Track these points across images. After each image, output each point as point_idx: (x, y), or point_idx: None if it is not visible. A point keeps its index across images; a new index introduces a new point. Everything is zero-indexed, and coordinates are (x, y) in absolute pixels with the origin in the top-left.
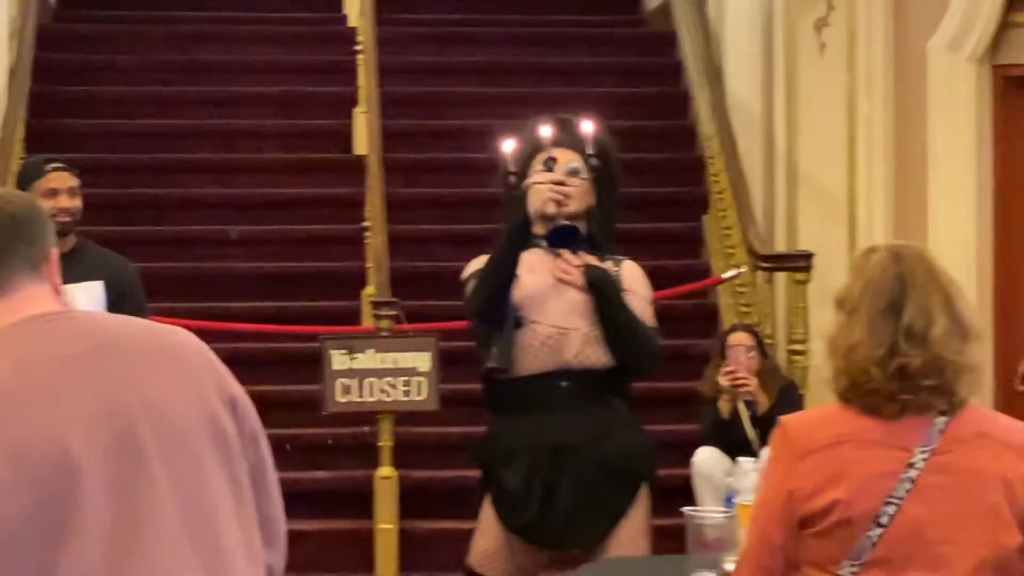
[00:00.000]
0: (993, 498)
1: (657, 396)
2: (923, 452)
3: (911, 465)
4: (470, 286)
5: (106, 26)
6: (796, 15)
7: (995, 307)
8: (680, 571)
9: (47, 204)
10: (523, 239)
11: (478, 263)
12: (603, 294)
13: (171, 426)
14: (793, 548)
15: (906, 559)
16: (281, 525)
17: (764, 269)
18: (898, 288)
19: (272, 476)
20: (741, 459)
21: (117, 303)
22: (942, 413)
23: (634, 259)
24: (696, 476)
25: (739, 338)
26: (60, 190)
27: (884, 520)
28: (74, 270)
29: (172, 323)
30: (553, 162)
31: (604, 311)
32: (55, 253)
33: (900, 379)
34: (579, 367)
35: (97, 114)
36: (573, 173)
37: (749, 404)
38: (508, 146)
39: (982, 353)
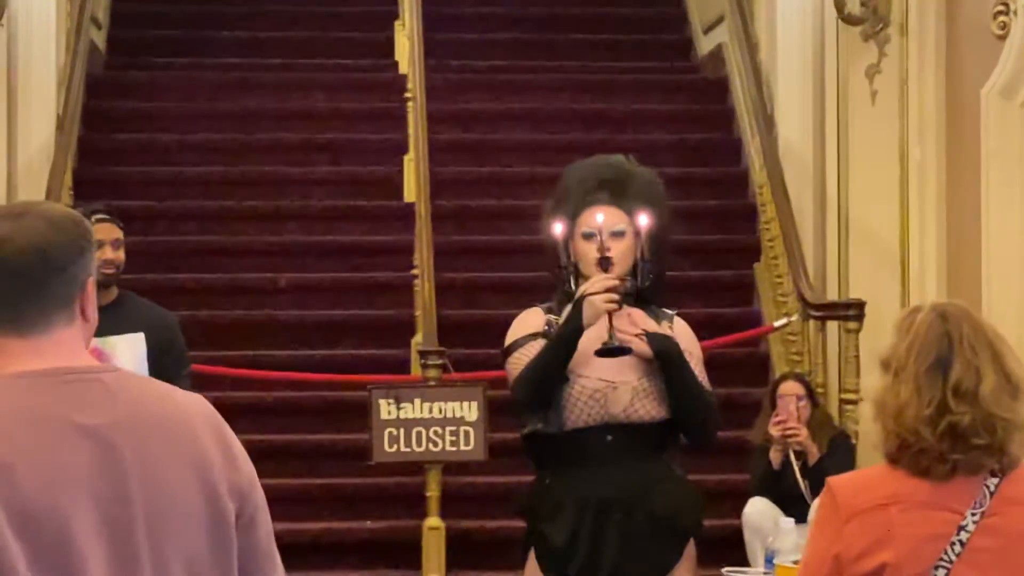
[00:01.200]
0: None
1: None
2: (974, 514)
3: (962, 528)
4: (514, 360)
5: (156, 73)
6: (848, 62)
7: None
8: None
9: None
10: (575, 345)
11: (523, 326)
12: (671, 363)
13: (168, 514)
14: None
15: None
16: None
17: (815, 318)
18: (945, 346)
19: (264, 556)
20: (782, 519)
21: (159, 354)
22: (993, 474)
23: (685, 308)
24: (746, 527)
25: (790, 387)
26: (105, 242)
27: None
28: (117, 321)
29: (218, 371)
30: (590, 237)
31: (673, 379)
32: (92, 282)
33: (950, 438)
34: (627, 421)
35: (146, 162)
36: (618, 235)
37: (799, 454)
38: (558, 230)
39: None
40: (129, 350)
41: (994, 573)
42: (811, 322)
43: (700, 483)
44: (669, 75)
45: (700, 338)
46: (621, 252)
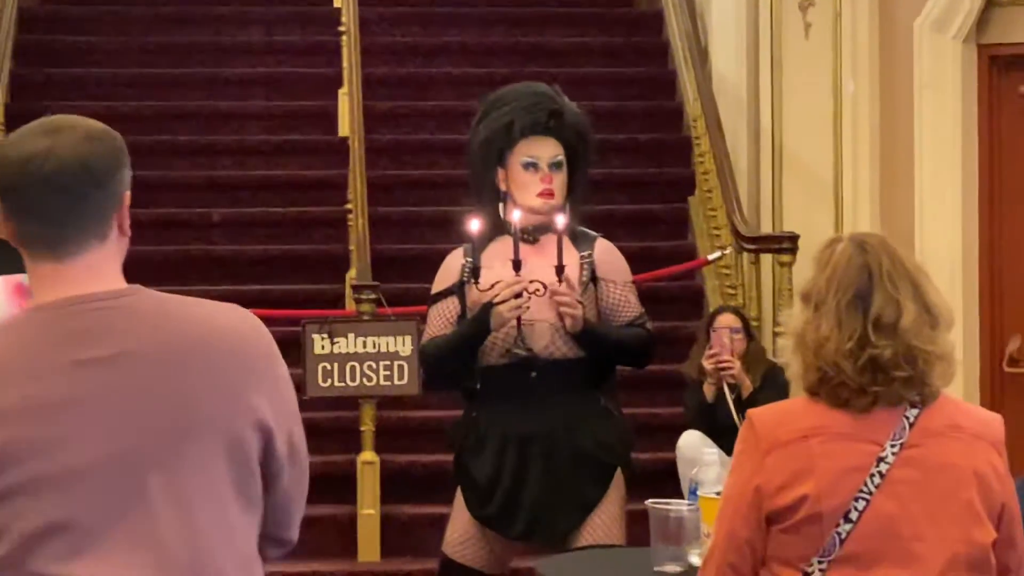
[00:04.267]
0: (966, 493)
1: (642, 379)
2: (894, 446)
3: (881, 459)
4: (429, 316)
5: (90, 7)
6: None
7: (982, 288)
8: (645, 563)
9: None
10: (479, 345)
11: (444, 274)
12: (596, 343)
13: (182, 443)
14: (761, 544)
15: (876, 556)
16: (287, 531)
17: (748, 251)
18: (865, 278)
19: (288, 486)
20: (706, 450)
21: None
22: (912, 405)
23: (620, 241)
24: (680, 460)
25: (725, 320)
26: None
27: (853, 516)
28: None
29: None
30: (534, 167)
31: (597, 352)
32: (127, 196)
33: (871, 371)
34: (548, 359)
35: (80, 96)
36: (558, 166)
37: (733, 387)
38: (474, 226)
39: (951, 341)
40: None
41: (913, 504)
42: (745, 255)
43: (634, 417)
44: (605, 8)
45: (635, 271)
46: (560, 184)
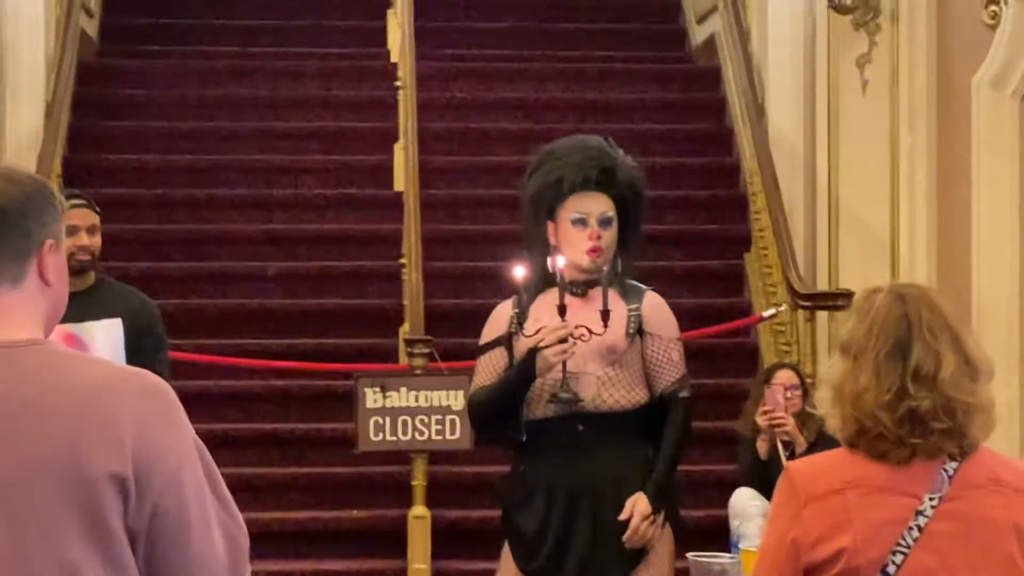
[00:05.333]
0: (1007, 547)
1: (696, 436)
2: (932, 499)
3: (920, 512)
4: (478, 367)
5: (147, 61)
6: (838, 52)
7: None
8: None
9: (67, 241)
10: (526, 392)
11: (492, 326)
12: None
13: (31, 497)
14: None
15: None
16: None
17: (803, 307)
18: (904, 329)
19: (184, 547)
20: (749, 503)
21: (137, 340)
22: (952, 458)
23: (675, 298)
24: (732, 516)
25: (781, 377)
26: (80, 227)
27: (891, 570)
28: (94, 307)
29: (207, 360)
30: (583, 223)
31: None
32: (52, 246)
33: (910, 423)
34: (595, 411)
35: (136, 149)
36: (606, 223)
37: (787, 444)
38: (519, 273)
39: (992, 393)
40: (105, 335)
41: (953, 557)
42: (800, 312)
43: (687, 473)
44: (662, 64)
45: (690, 327)
46: (609, 241)
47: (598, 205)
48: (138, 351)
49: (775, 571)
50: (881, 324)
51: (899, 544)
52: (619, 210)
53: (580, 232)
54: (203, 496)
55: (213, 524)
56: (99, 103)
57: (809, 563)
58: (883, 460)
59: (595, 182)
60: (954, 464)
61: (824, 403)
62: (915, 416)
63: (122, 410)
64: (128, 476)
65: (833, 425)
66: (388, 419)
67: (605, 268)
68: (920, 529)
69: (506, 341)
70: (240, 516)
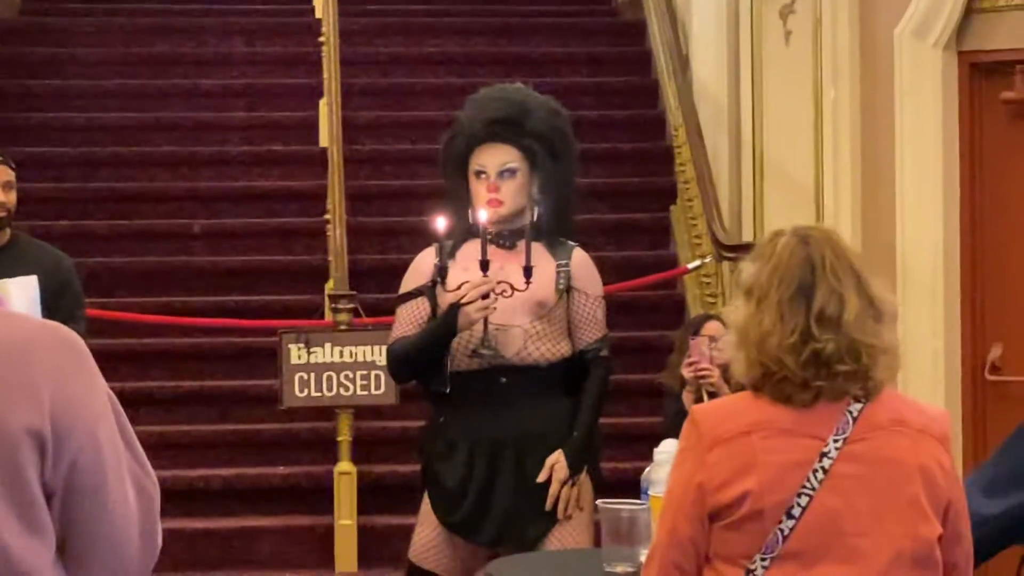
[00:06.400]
0: (911, 488)
1: (623, 388)
2: (837, 440)
3: (824, 454)
4: (397, 317)
5: (71, 19)
6: (761, 3)
7: (964, 296)
8: (596, 564)
9: None
10: (447, 346)
11: (414, 274)
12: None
13: None
14: (704, 542)
15: (820, 552)
16: (110, 557)
17: (728, 259)
18: (807, 272)
19: (102, 503)
20: (656, 449)
21: (54, 296)
22: (856, 400)
23: (601, 251)
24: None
25: (707, 329)
26: None
27: (796, 512)
28: (10, 263)
29: (132, 318)
30: (484, 175)
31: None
32: None
33: (814, 366)
34: (520, 364)
35: (60, 107)
36: (506, 174)
37: (713, 396)
38: (440, 224)
39: (896, 335)
40: (22, 292)
41: (857, 499)
42: (725, 263)
43: (614, 426)
44: (589, 18)
45: (616, 280)
46: (511, 192)
47: (498, 157)
48: (55, 308)
49: (681, 515)
50: (785, 267)
51: (804, 486)
52: (533, 161)
53: (480, 184)
54: (118, 449)
55: (127, 478)
56: (22, 61)
57: (714, 506)
58: (788, 403)
59: (498, 134)
60: (859, 406)
61: (728, 347)
62: (819, 358)
63: (37, 365)
64: (46, 432)
65: (737, 369)
66: (313, 375)
67: (528, 221)
68: (825, 471)
69: (428, 291)
70: (150, 466)
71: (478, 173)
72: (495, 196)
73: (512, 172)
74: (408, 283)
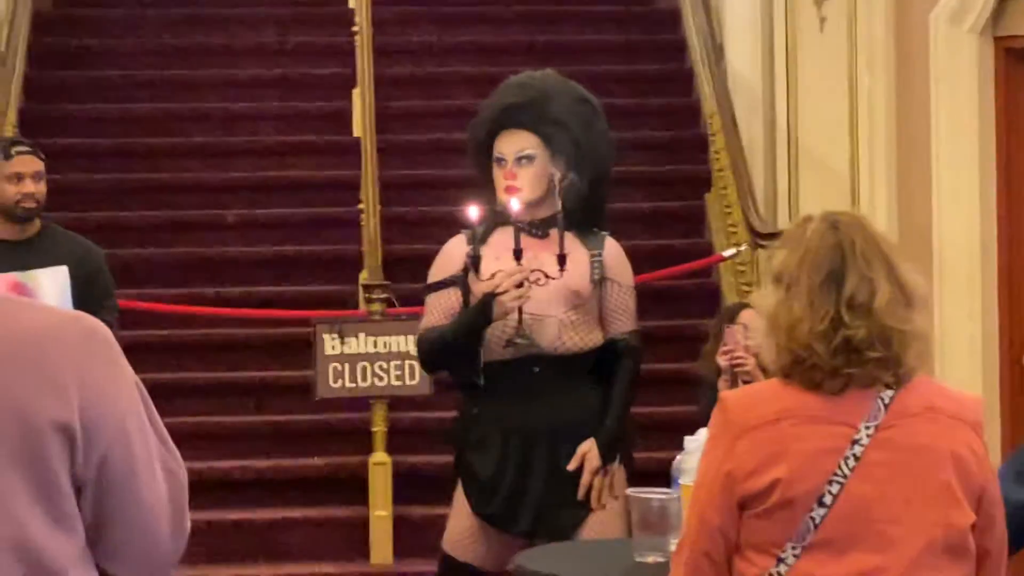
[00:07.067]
0: (943, 475)
1: (658, 377)
2: (868, 427)
3: (856, 442)
4: (428, 306)
5: (104, 10)
6: None
7: (1000, 280)
8: (627, 554)
9: (12, 189)
10: (481, 336)
11: (444, 262)
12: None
13: None
14: (734, 530)
15: (851, 540)
16: (111, 563)
17: (763, 247)
18: (837, 258)
19: (134, 493)
20: (688, 437)
21: (84, 287)
22: (888, 386)
23: (636, 239)
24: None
25: (743, 317)
26: (25, 174)
27: (827, 500)
28: (40, 254)
29: (165, 309)
30: (503, 162)
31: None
32: None
33: (845, 353)
34: (553, 354)
35: (93, 99)
36: (523, 160)
37: (748, 384)
38: (474, 213)
39: (926, 321)
40: (52, 283)
41: (889, 487)
42: (760, 251)
43: (650, 415)
44: (622, 6)
45: (650, 269)
46: (529, 178)
47: (515, 144)
48: (86, 299)
49: (710, 505)
50: (815, 253)
51: (835, 474)
52: (553, 148)
53: (499, 171)
54: (147, 439)
55: (156, 466)
56: (56, 53)
57: (744, 494)
58: (818, 390)
59: (515, 120)
60: (890, 392)
61: (758, 334)
62: (850, 345)
63: (63, 357)
64: (75, 426)
65: (767, 356)
66: (347, 365)
67: (515, 203)
68: (856, 458)
69: (461, 280)
70: (177, 451)
71: (498, 160)
72: (511, 183)
73: (530, 159)
74: (438, 271)
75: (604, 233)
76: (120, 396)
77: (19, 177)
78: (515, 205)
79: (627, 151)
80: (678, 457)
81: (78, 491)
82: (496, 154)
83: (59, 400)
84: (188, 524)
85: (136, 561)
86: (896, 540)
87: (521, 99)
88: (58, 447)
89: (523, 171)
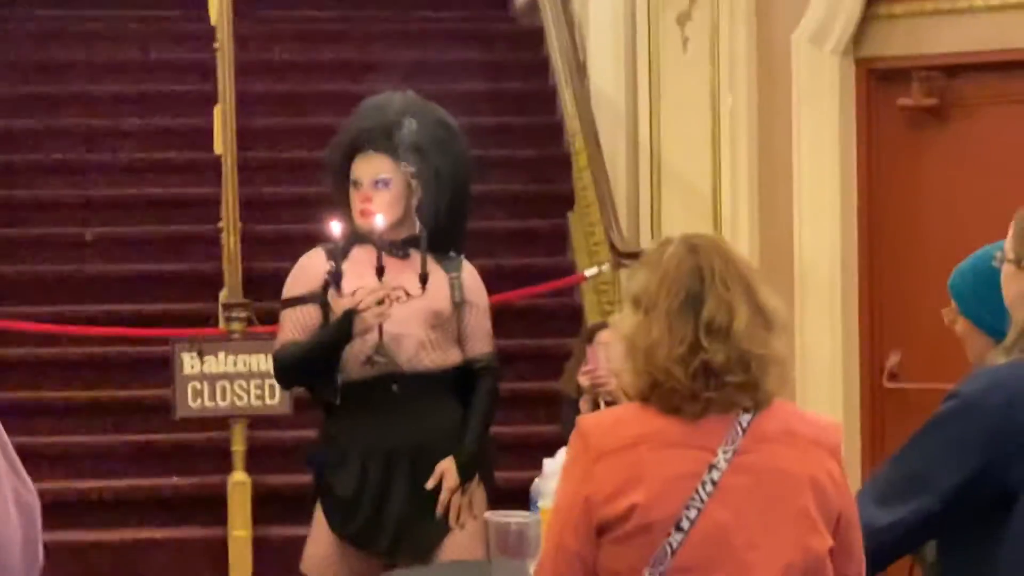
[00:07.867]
0: (801, 500)
1: (520, 396)
2: (726, 452)
3: (713, 466)
4: (282, 322)
5: None
6: (659, 9)
7: (861, 302)
8: None
9: None
10: (340, 353)
11: (301, 276)
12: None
13: None
14: (591, 556)
15: (710, 566)
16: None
17: (626, 266)
18: (696, 281)
19: None
20: (546, 460)
21: None
22: (746, 411)
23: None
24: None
25: (604, 336)
26: None
27: (685, 525)
28: None
29: (24, 327)
30: (357, 185)
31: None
32: None
33: (703, 377)
34: (412, 372)
35: None
36: (378, 184)
37: (610, 404)
38: (336, 229)
39: (784, 345)
40: None
41: (747, 512)
42: (622, 270)
43: (513, 434)
44: (485, 24)
45: (514, 287)
46: (385, 202)
47: (371, 168)
48: None
49: (568, 530)
50: (673, 276)
51: (693, 499)
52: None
53: (356, 194)
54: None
55: (9, 498)
56: None
57: (602, 519)
58: (676, 414)
59: (372, 144)
60: (748, 417)
61: (617, 357)
62: (709, 369)
63: None
64: None
65: (625, 379)
66: (206, 384)
67: (380, 220)
68: (714, 483)
69: (319, 296)
70: (29, 479)
71: (354, 183)
72: (365, 206)
73: (386, 183)
74: (295, 286)
75: (460, 256)
76: None
77: None
78: (380, 222)
79: (491, 170)
80: (536, 480)
81: None
82: (353, 177)
83: None
84: (41, 555)
85: None
86: (755, 565)
87: (377, 122)
88: None
89: (379, 195)
